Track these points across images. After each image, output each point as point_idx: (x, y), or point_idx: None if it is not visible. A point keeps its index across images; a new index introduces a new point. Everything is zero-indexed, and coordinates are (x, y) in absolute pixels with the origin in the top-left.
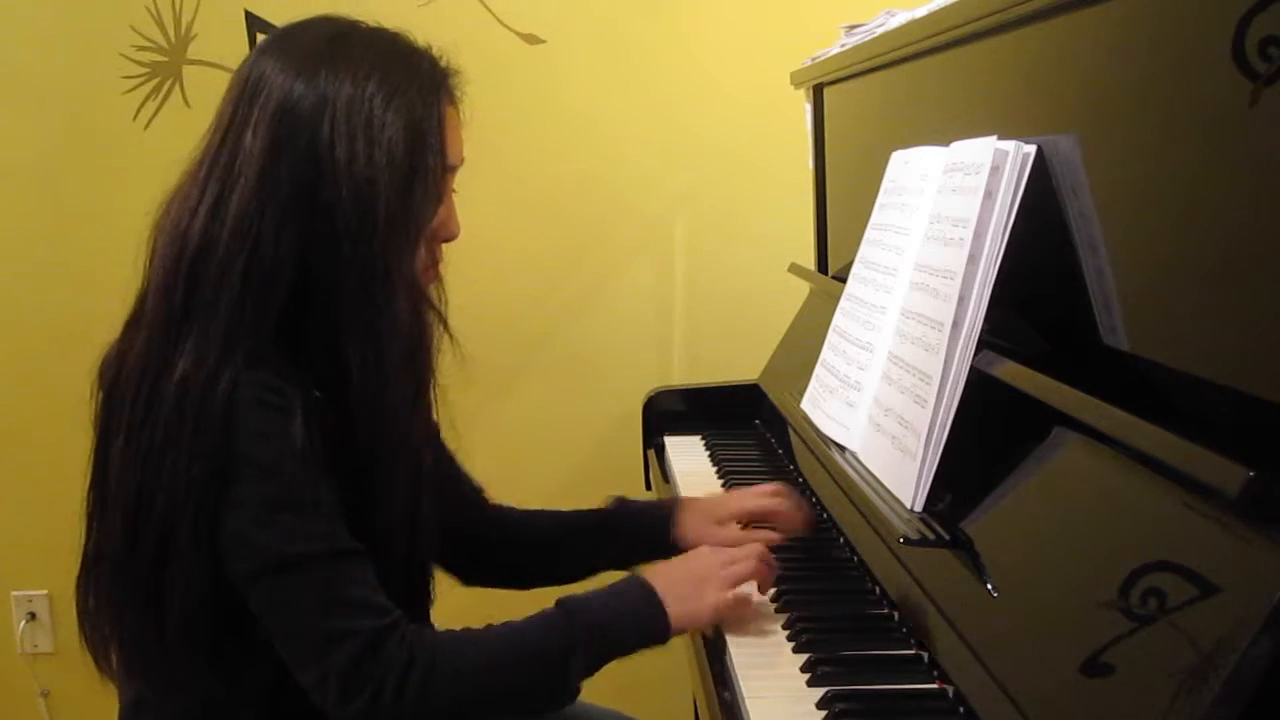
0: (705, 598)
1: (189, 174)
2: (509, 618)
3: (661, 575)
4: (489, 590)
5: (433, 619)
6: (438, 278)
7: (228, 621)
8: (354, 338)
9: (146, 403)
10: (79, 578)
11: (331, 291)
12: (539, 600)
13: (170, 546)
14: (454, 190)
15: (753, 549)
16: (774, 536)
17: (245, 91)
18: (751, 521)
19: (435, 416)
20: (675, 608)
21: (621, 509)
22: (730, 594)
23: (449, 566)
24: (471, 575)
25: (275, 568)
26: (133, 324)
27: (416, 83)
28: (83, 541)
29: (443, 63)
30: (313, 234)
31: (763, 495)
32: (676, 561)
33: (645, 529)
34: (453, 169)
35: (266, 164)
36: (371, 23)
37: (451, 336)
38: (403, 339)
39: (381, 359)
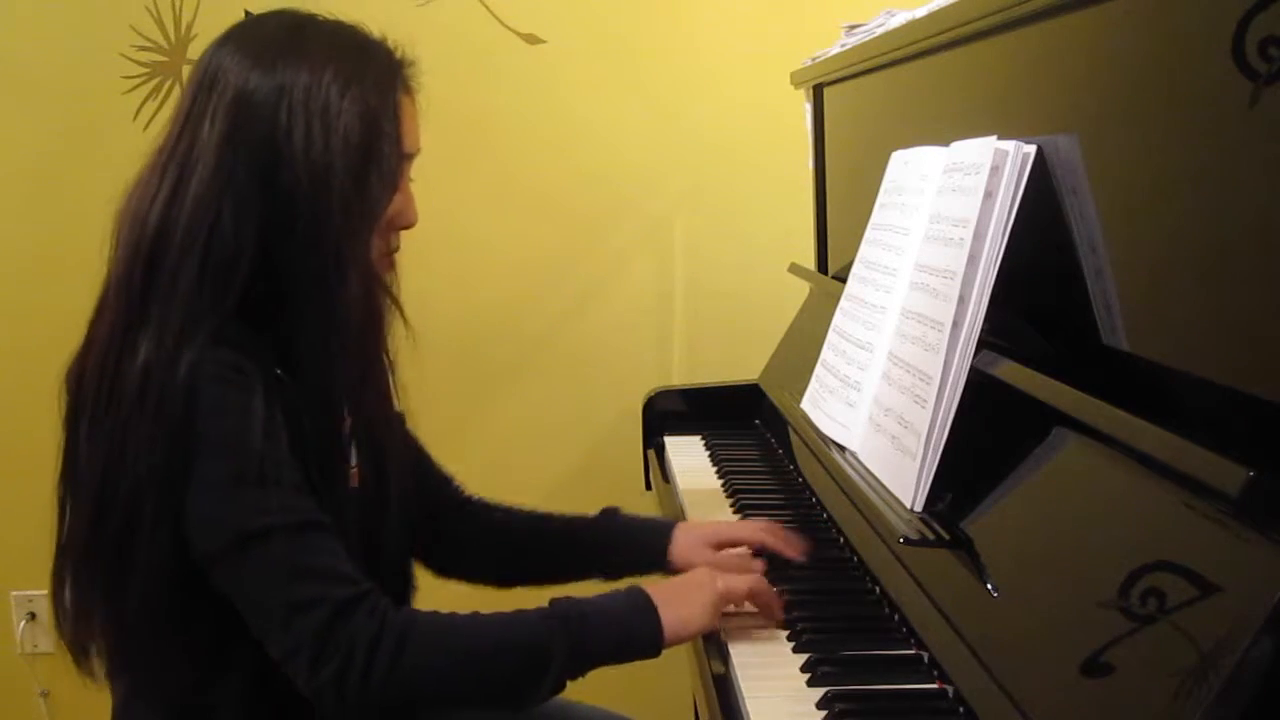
0: (699, 605)
1: (148, 164)
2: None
3: (657, 586)
4: (477, 589)
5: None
6: (393, 265)
7: (198, 608)
8: (305, 318)
9: (110, 387)
10: (53, 572)
11: (289, 272)
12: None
13: (133, 528)
14: (411, 179)
15: (750, 574)
16: (760, 565)
17: (204, 82)
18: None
19: (397, 406)
20: (669, 615)
21: (614, 519)
22: (723, 597)
23: (421, 556)
24: (445, 568)
25: (239, 542)
26: (97, 315)
27: (373, 72)
28: (55, 535)
29: (399, 54)
30: (270, 219)
31: (757, 531)
32: (674, 578)
33: (641, 543)
34: (409, 157)
35: (224, 151)
36: (329, 15)
37: (406, 323)
38: (353, 321)
39: (330, 339)
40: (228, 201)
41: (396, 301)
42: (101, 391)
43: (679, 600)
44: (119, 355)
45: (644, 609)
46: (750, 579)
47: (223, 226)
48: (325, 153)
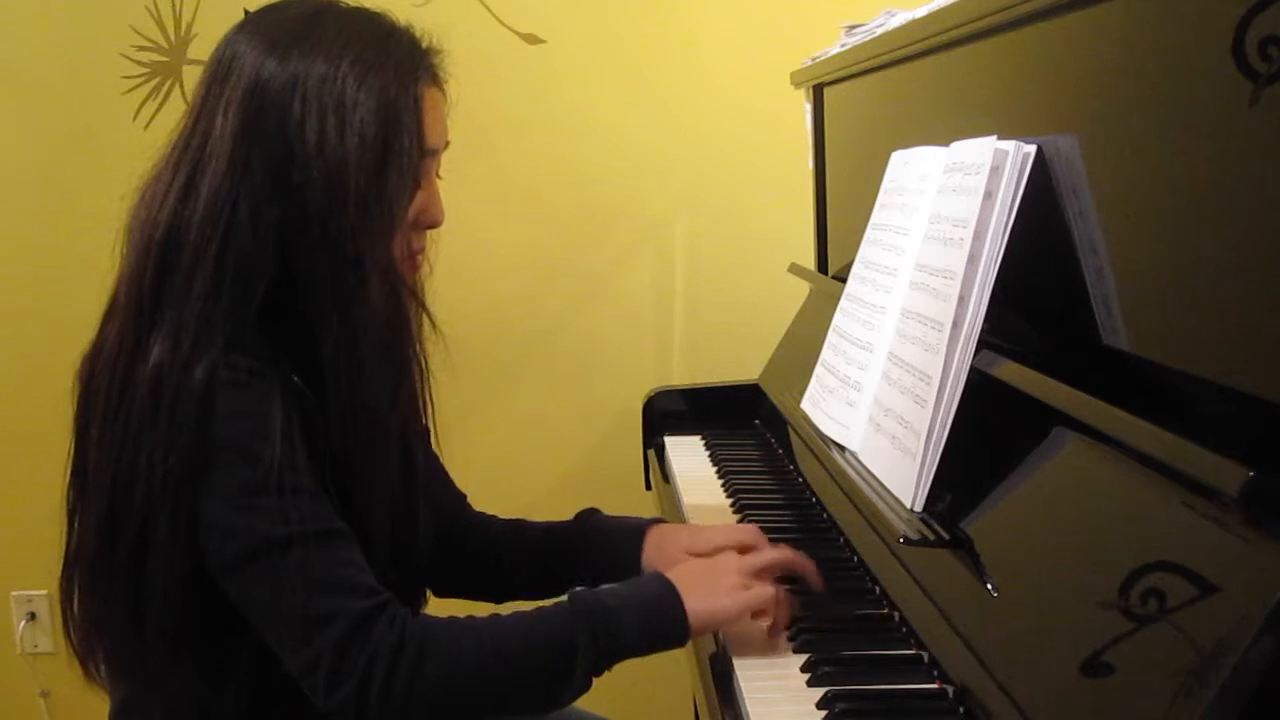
0: (724, 590)
1: (161, 158)
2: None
3: (678, 572)
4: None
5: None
6: (421, 266)
7: (209, 616)
8: (327, 323)
9: (120, 392)
10: (61, 579)
11: (306, 275)
12: None
13: (148, 539)
14: (439, 176)
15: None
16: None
17: (218, 72)
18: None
19: (426, 422)
20: (694, 604)
21: (588, 524)
22: (749, 585)
23: (427, 576)
24: (444, 589)
25: (257, 553)
26: (108, 316)
27: (393, 62)
28: (64, 541)
29: (425, 43)
30: (286, 217)
31: (737, 532)
32: (694, 561)
33: (613, 551)
34: (433, 152)
35: (237, 146)
36: (352, 2)
37: (435, 326)
38: (376, 325)
39: (354, 345)
40: (243, 199)
41: (424, 305)
42: (111, 397)
43: (703, 588)
44: (130, 360)
45: (668, 598)
46: (771, 554)
47: (238, 225)
48: (340, 147)
